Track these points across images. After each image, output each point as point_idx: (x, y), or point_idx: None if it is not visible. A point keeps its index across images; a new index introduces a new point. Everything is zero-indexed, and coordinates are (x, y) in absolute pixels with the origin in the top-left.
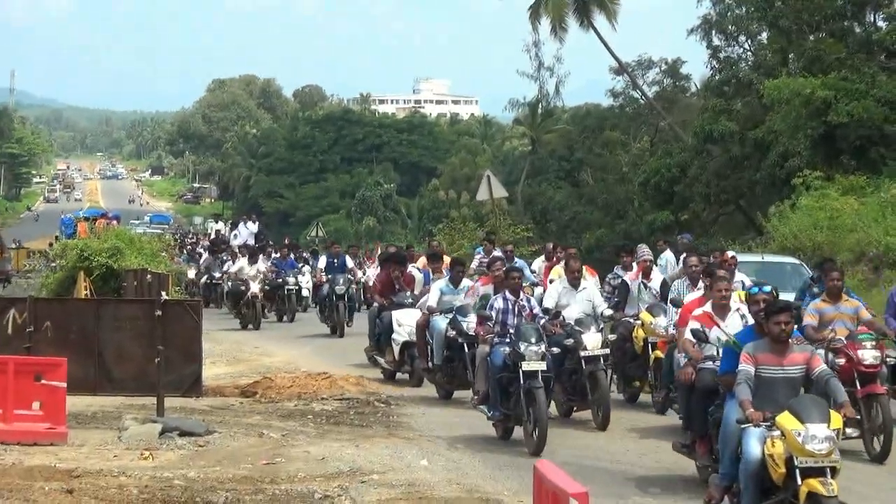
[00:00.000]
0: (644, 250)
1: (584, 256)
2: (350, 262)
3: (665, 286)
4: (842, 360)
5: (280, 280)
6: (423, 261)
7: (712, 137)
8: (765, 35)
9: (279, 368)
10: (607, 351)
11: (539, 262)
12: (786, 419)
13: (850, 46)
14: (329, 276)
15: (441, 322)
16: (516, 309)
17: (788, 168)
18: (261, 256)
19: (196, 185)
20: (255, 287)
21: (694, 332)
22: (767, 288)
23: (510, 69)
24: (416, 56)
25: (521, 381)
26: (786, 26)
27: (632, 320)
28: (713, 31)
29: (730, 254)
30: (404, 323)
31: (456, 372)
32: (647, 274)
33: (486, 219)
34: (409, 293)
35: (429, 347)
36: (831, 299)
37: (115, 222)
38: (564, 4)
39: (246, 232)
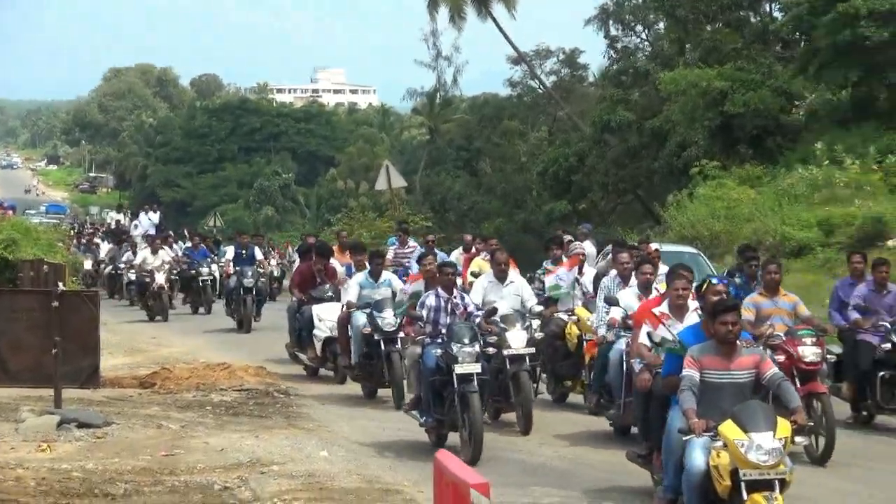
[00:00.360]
0: (577, 244)
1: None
2: (259, 254)
3: (597, 281)
4: (781, 358)
5: (193, 271)
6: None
7: (610, 127)
8: (662, 25)
9: (177, 359)
10: (532, 350)
11: (456, 254)
12: (729, 428)
13: (747, 37)
14: (237, 268)
15: (360, 318)
16: (449, 307)
17: (686, 157)
18: (164, 247)
19: (92, 174)
20: (160, 278)
21: (650, 335)
22: (715, 280)
23: (408, 58)
24: (314, 45)
25: (455, 385)
26: (683, 16)
27: (564, 316)
28: (610, 21)
29: (653, 246)
30: (325, 318)
31: (374, 370)
32: (580, 269)
33: (384, 208)
34: (328, 287)
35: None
36: (768, 293)
37: (10, 212)
38: None
39: (147, 222)
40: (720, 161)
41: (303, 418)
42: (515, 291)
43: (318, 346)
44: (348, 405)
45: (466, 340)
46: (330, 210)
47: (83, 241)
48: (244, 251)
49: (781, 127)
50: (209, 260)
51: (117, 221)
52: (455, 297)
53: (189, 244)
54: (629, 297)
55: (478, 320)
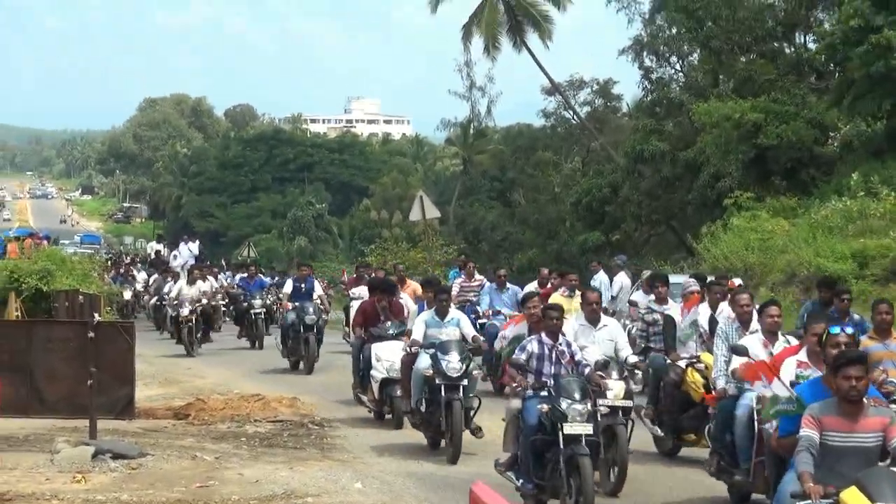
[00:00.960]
0: (691, 281)
1: (517, 277)
2: (319, 288)
3: (714, 323)
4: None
5: (246, 303)
6: (415, 288)
7: (643, 158)
8: (696, 56)
9: (212, 390)
10: (630, 403)
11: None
12: (852, 496)
13: (781, 68)
14: (296, 304)
15: (423, 359)
16: (554, 355)
17: (720, 189)
18: (205, 277)
19: (126, 204)
20: (185, 310)
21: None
22: (849, 329)
23: (442, 89)
24: (348, 75)
25: (562, 447)
26: (717, 47)
27: (683, 364)
28: (644, 52)
29: (736, 281)
30: (384, 357)
31: (433, 418)
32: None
33: (418, 239)
34: (390, 324)
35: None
36: (879, 336)
37: (45, 242)
38: (497, 23)
39: (187, 253)
40: (754, 193)
41: (337, 450)
42: (609, 336)
43: (376, 387)
44: (383, 438)
45: (577, 396)
46: (363, 241)
47: (120, 271)
48: (302, 285)
49: (815, 158)
50: (264, 291)
51: (157, 252)
52: (561, 344)
53: (245, 274)
54: (755, 345)
55: (586, 370)
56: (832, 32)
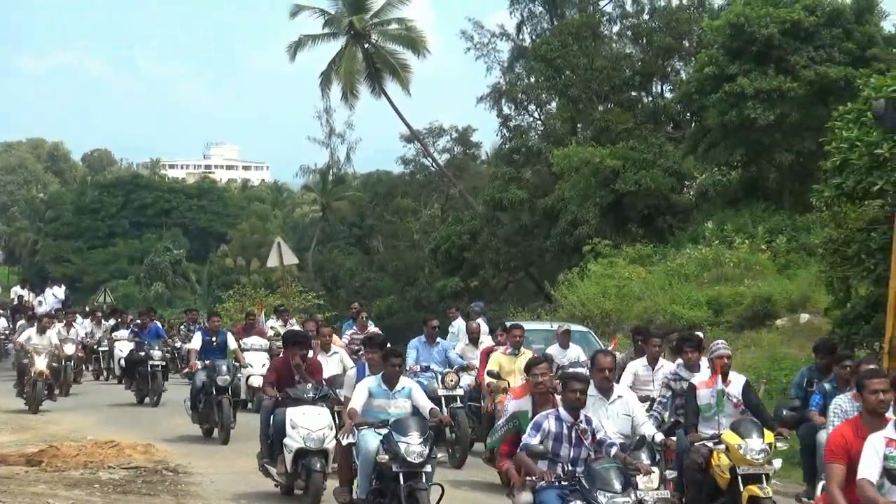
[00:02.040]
0: (720, 344)
1: (375, 324)
2: (232, 342)
3: (749, 391)
4: None
5: (142, 353)
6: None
7: (502, 205)
8: (554, 104)
9: (65, 437)
10: (668, 495)
11: (461, 345)
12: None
13: (638, 116)
14: (206, 361)
15: (371, 440)
16: (574, 435)
17: (577, 236)
18: (62, 324)
19: None
20: (40, 362)
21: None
22: None
23: (301, 135)
24: (207, 121)
25: None
26: (575, 95)
27: (710, 444)
28: (503, 100)
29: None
30: (300, 424)
31: None
32: (724, 376)
33: (276, 285)
34: (310, 386)
35: (354, 471)
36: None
37: None
38: (356, 71)
39: (52, 299)
40: (611, 240)
41: (192, 496)
42: (625, 410)
43: (289, 458)
44: (238, 484)
45: (618, 486)
46: (220, 286)
47: None
48: (214, 338)
49: (672, 206)
50: (161, 341)
51: (20, 297)
52: (581, 422)
53: (136, 321)
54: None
55: (613, 451)
56: (687, 81)
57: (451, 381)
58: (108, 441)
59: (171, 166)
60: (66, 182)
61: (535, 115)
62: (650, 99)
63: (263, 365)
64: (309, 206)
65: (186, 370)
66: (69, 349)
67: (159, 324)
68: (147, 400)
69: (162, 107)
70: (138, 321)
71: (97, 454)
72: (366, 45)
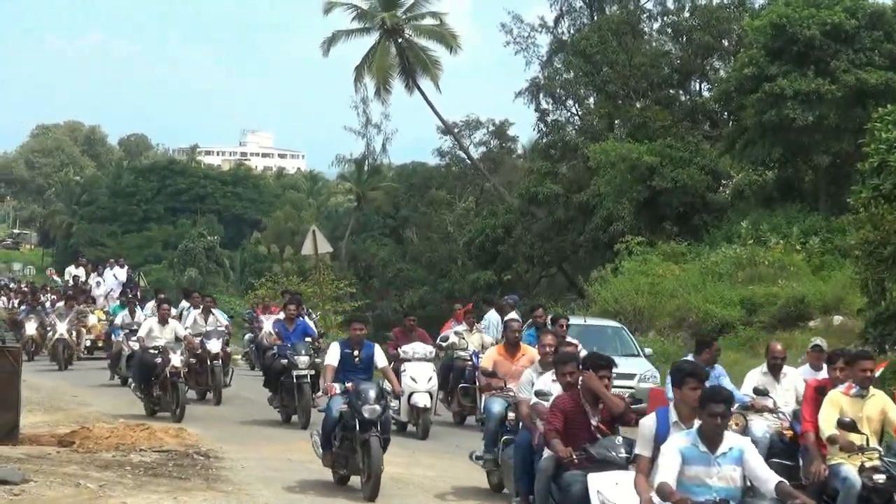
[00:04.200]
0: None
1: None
2: (382, 359)
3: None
4: None
5: (286, 360)
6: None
7: (537, 200)
8: (592, 100)
9: (97, 418)
10: None
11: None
12: None
13: (676, 114)
14: (348, 382)
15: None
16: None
17: (612, 232)
18: (174, 314)
19: (16, 230)
20: (176, 359)
21: None
22: None
23: (338, 125)
24: (244, 108)
25: None
26: (613, 92)
27: None
28: (541, 94)
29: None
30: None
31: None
32: None
33: (308, 274)
34: (619, 441)
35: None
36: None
37: None
38: (388, 66)
39: (112, 280)
40: (645, 237)
41: (222, 481)
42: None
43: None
44: (269, 468)
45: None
46: (253, 274)
47: (26, 300)
48: (356, 352)
49: (707, 205)
50: (310, 341)
51: (75, 277)
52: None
53: (279, 314)
54: None
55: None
56: (727, 80)
57: None
58: (140, 424)
59: (208, 153)
60: (103, 166)
61: (573, 110)
62: (688, 97)
63: (430, 379)
64: (344, 195)
65: (320, 394)
66: (214, 346)
67: (308, 320)
68: (295, 419)
69: (198, 94)
70: (281, 313)
71: (129, 436)
72: (399, 41)
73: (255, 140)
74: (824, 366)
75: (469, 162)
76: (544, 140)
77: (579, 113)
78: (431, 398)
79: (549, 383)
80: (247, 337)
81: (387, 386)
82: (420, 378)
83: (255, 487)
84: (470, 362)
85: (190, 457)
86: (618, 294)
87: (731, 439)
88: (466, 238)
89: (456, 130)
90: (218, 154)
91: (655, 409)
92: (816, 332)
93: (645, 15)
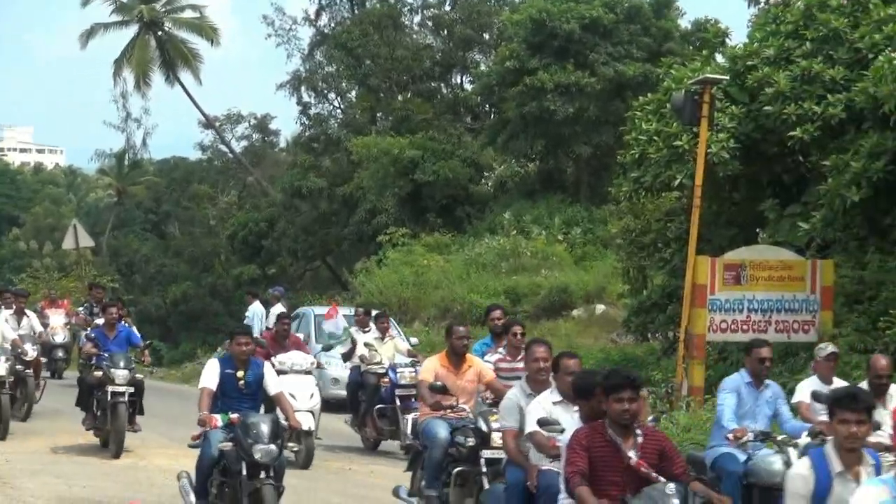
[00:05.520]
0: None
1: (170, 309)
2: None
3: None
4: None
5: (99, 373)
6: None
7: (300, 193)
8: (354, 93)
9: None
10: None
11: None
12: None
13: (438, 107)
14: (233, 413)
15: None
16: None
17: (376, 225)
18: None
19: None
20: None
21: None
22: None
23: (98, 120)
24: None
25: None
26: (375, 85)
27: None
28: (303, 87)
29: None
30: None
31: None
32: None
33: (70, 269)
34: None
35: None
36: None
37: None
38: (148, 59)
39: None
40: (409, 229)
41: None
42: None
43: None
44: (35, 461)
45: None
46: (12, 270)
47: None
48: (239, 372)
49: (470, 197)
50: (135, 352)
51: None
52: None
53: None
54: None
55: None
56: (488, 73)
57: None
58: None
59: None
60: None
61: (336, 103)
62: (450, 90)
63: (312, 395)
64: (104, 190)
65: (198, 434)
66: (29, 352)
67: (130, 324)
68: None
69: None
70: (101, 315)
71: None
72: (158, 34)
73: (12, 135)
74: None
75: (231, 156)
76: (307, 133)
77: (342, 106)
78: (314, 418)
79: (552, 408)
80: None
81: (282, 418)
82: (300, 394)
83: (20, 480)
84: (387, 378)
85: None
86: (382, 286)
87: None
88: (229, 232)
89: (217, 124)
90: None
91: (809, 452)
92: (579, 321)
93: (406, 8)
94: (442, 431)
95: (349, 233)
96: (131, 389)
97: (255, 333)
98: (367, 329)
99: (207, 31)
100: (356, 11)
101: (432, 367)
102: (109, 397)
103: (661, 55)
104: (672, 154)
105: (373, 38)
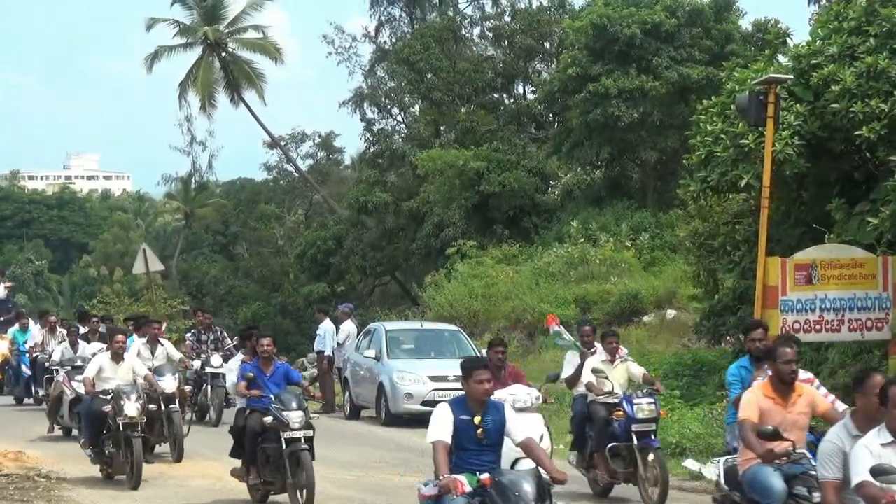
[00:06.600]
0: None
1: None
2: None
3: None
4: None
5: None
6: None
7: (367, 209)
8: (417, 107)
9: None
10: None
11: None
12: None
13: (501, 118)
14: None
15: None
16: None
17: (443, 238)
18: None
19: None
20: (130, 407)
21: None
22: None
23: (163, 144)
24: (67, 130)
25: None
26: (438, 98)
27: None
28: (366, 104)
29: None
30: None
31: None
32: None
33: (140, 294)
34: None
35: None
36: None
37: None
38: (212, 81)
39: None
40: (477, 241)
41: (65, 501)
42: None
43: None
44: (112, 488)
45: None
46: (84, 297)
47: None
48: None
49: (537, 206)
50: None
51: None
52: None
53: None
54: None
55: None
56: (551, 82)
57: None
58: None
59: (31, 178)
60: None
61: (399, 118)
62: (513, 100)
63: (542, 437)
64: (171, 214)
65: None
66: (168, 384)
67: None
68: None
69: (19, 117)
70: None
71: None
72: (223, 55)
73: (79, 163)
74: None
75: (297, 175)
76: (371, 149)
77: (405, 121)
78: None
79: (881, 450)
80: None
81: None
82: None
83: None
84: (620, 411)
85: (31, 479)
86: (452, 299)
87: None
88: (298, 251)
89: (283, 144)
90: (42, 178)
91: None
92: (651, 326)
93: (466, 21)
94: (777, 483)
95: (417, 247)
96: (310, 433)
97: (328, 352)
98: (592, 350)
99: (271, 51)
100: (416, 26)
101: (755, 401)
102: (285, 445)
103: (723, 57)
104: (738, 153)
105: (434, 51)
